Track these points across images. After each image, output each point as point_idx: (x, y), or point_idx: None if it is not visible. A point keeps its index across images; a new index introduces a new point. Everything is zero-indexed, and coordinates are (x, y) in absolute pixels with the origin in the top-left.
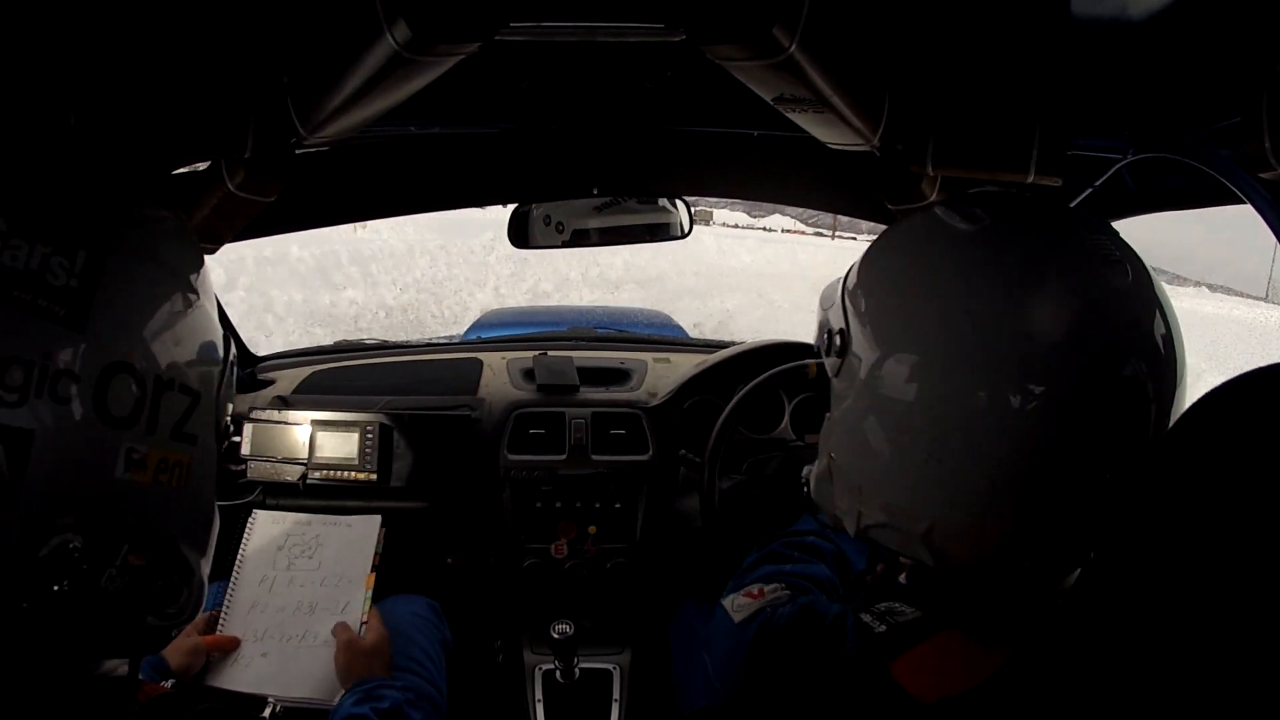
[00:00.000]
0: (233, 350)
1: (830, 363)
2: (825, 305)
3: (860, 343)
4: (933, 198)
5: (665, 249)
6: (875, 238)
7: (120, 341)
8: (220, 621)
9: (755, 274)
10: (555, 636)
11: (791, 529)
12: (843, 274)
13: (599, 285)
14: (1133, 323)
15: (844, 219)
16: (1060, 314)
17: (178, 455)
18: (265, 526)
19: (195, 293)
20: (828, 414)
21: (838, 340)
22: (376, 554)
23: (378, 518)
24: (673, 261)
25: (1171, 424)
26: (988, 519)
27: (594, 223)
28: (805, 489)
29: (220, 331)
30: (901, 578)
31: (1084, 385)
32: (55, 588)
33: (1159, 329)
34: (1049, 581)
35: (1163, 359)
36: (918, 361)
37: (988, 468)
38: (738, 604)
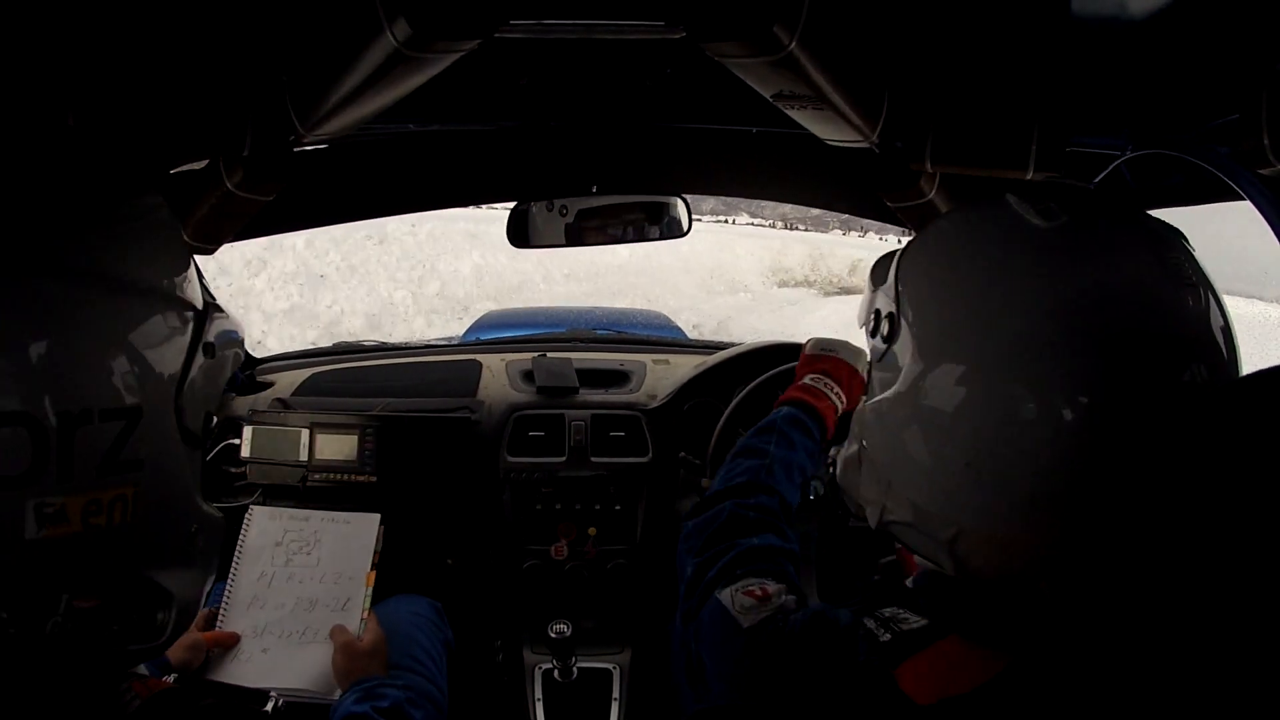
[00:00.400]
0: (215, 324)
1: (874, 345)
2: (875, 283)
3: (908, 335)
4: (931, 194)
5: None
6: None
7: None
8: (220, 618)
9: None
10: (553, 636)
11: (758, 426)
12: (899, 248)
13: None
14: (1201, 357)
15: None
16: (1130, 334)
17: (114, 491)
18: (262, 522)
19: (122, 289)
20: (863, 397)
21: (885, 326)
22: (376, 552)
23: (376, 515)
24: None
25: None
26: (1018, 534)
27: (594, 222)
28: (830, 469)
29: (178, 312)
30: (909, 581)
31: (1141, 409)
32: None
33: (1228, 358)
34: (1064, 601)
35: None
36: (969, 365)
37: (1028, 481)
38: (740, 604)
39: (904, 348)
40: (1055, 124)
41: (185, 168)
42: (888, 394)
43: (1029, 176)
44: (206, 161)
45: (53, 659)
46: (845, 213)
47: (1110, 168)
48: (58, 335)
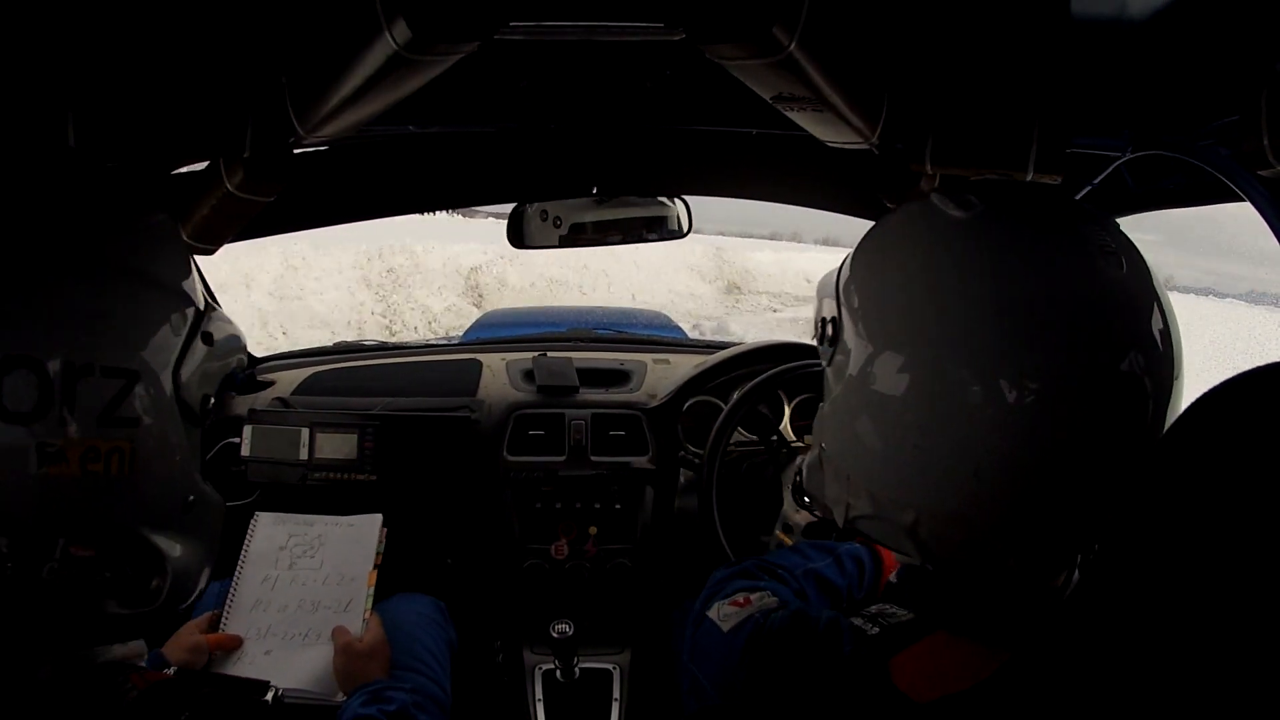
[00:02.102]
0: (215, 321)
1: (823, 352)
2: (821, 294)
3: (851, 331)
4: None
5: None
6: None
7: (7, 334)
8: (223, 620)
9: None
10: (555, 636)
11: (767, 558)
12: (839, 262)
13: None
14: (1129, 316)
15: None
16: (1054, 305)
17: (112, 443)
18: (268, 528)
19: (122, 271)
20: (821, 404)
21: (829, 330)
22: (379, 553)
23: (379, 517)
24: None
25: (1170, 420)
26: (972, 511)
27: (590, 218)
28: (798, 479)
29: (176, 302)
30: (892, 577)
31: (1078, 379)
32: None
33: (1156, 323)
34: (1036, 580)
35: (1160, 354)
36: (908, 352)
37: (974, 458)
38: (724, 613)
39: (846, 346)
40: (1056, 125)
41: (186, 169)
42: (838, 391)
43: (1029, 178)
44: (206, 163)
45: (47, 602)
46: (846, 214)
47: (1110, 169)
48: (68, 298)
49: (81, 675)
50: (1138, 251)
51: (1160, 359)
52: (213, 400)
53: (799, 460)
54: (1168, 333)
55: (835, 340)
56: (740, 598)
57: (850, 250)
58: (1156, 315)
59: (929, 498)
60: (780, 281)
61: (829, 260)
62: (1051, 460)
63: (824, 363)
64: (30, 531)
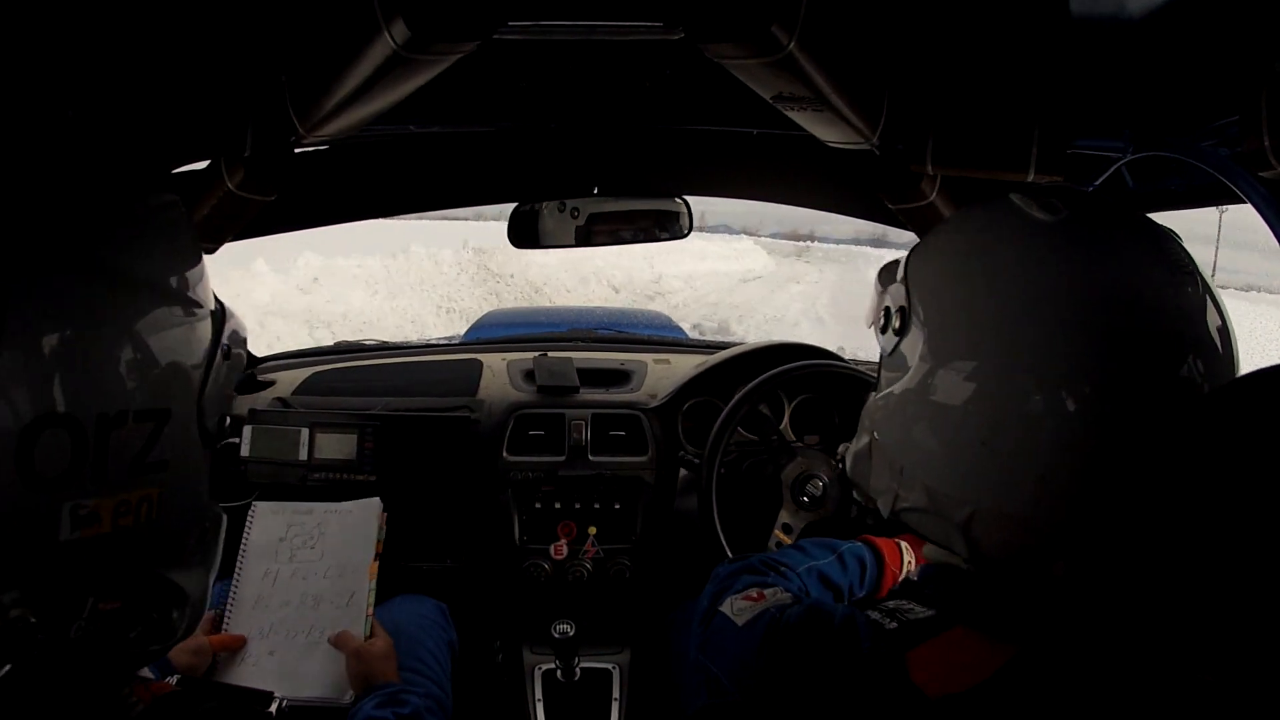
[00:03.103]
0: (233, 320)
1: (885, 340)
2: (885, 281)
3: (918, 328)
4: (932, 196)
5: None
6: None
7: (34, 398)
8: (225, 620)
9: None
10: (556, 636)
11: (770, 555)
12: (906, 250)
13: None
14: (1199, 339)
15: None
16: (1132, 315)
17: (142, 491)
18: (265, 518)
19: (156, 292)
20: (873, 393)
21: (896, 320)
22: (379, 540)
23: (378, 500)
24: None
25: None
26: (1031, 514)
27: (608, 208)
28: (840, 465)
29: (203, 313)
30: (913, 574)
31: (1148, 390)
32: (6, 666)
33: (1226, 350)
34: (1083, 587)
35: (1221, 365)
36: (980, 353)
37: (1040, 463)
38: (738, 607)
39: (914, 341)
40: (1056, 126)
41: (186, 168)
42: (898, 385)
43: (1030, 178)
44: (207, 162)
45: (75, 663)
46: (846, 214)
47: (1111, 170)
48: (95, 340)
49: (85, 689)
50: (1198, 269)
51: (1219, 370)
52: (227, 419)
53: (841, 448)
54: (1228, 344)
55: (902, 331)
56: (753, 592)
57: (920, 240)
58: (1223, 340)
59: (989, 497)
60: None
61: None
62: (1114, 469)
63: (884, 350)
64: (58, 597)
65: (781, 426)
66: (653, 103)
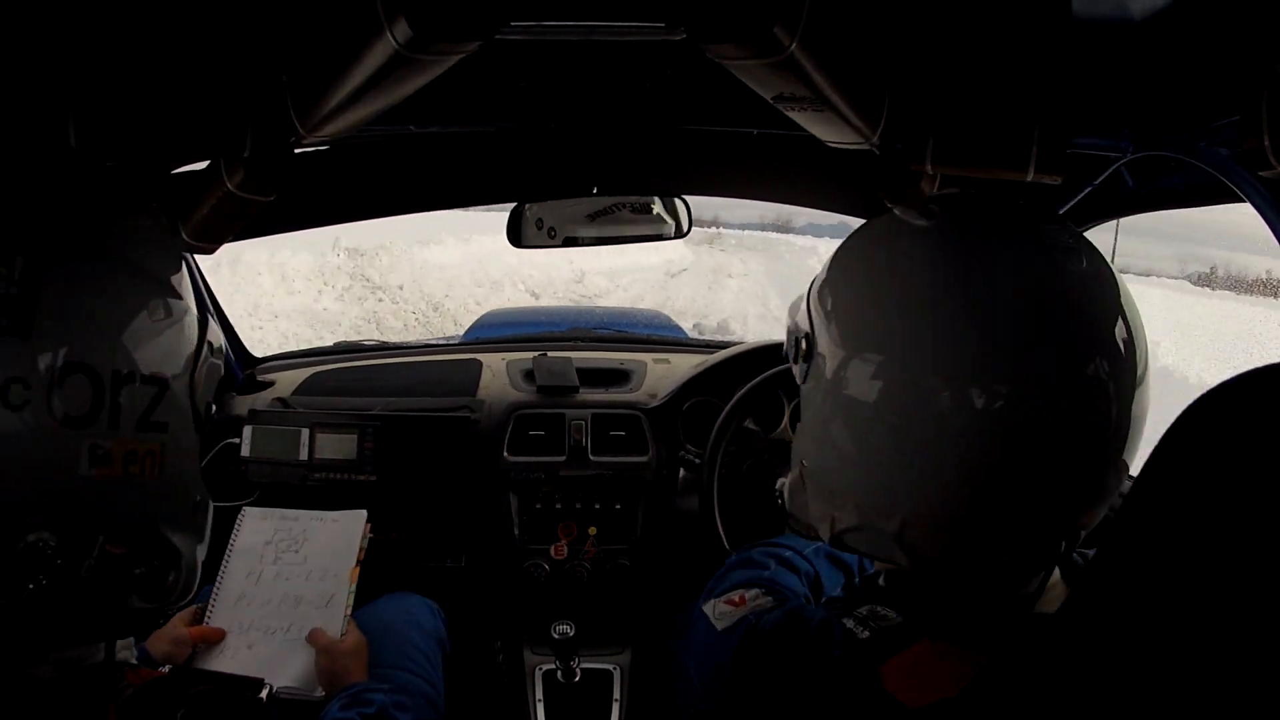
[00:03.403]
0: (212, 329)
1: (798, 369)
2: (793, 313)
3: (824, 344)
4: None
5: None
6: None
7: (69, 343)
8: (207, 614)
9: None
10: (556, 637)
11: (773, 540)
12: (809, 235)
13: None
14: (1092, 318)
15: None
16: (1018, 307)
17: (148, 445)
18: (254, 522)
19: (155, 284)
20: (799, 423)
21: (803, 344)
22: (361, 549)
23: (363, 513)
24: None
25: (1133, 424)
26: (955, 511)
27: (589, 227)
28: (779, 500)
29: (191, 313)
30: (881, 580)
31: (1044, 381)
32: (31, 585)
33: (1120, 330)
34: (1016, 579)
35: (1122, 356)
36: (880, 360)
37: (953, 461)
38: (719, 611)
39: (820, 357)
40: (1056, 125)
41: (186, 168)
42: (814, 406)
43: (1030, 178)
44: (207, 162)
45: (85, 598)
46: (845, 214)
47: (1111, 169)
48: (110, 311)
49: (79, 674)
50: (1100, 254)
51: (1122, 361)
52: (214, 408)
53: (779, 483)
54: (1130, 337)
55: (809, 355)
56: (736, 596)
57: (822, 265)
58: (1119, 320)
59: (913, 502)
60: None
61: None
62: (1020, 462)
63: (799, 380)
64: (76, 529)
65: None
66: (653, 103)
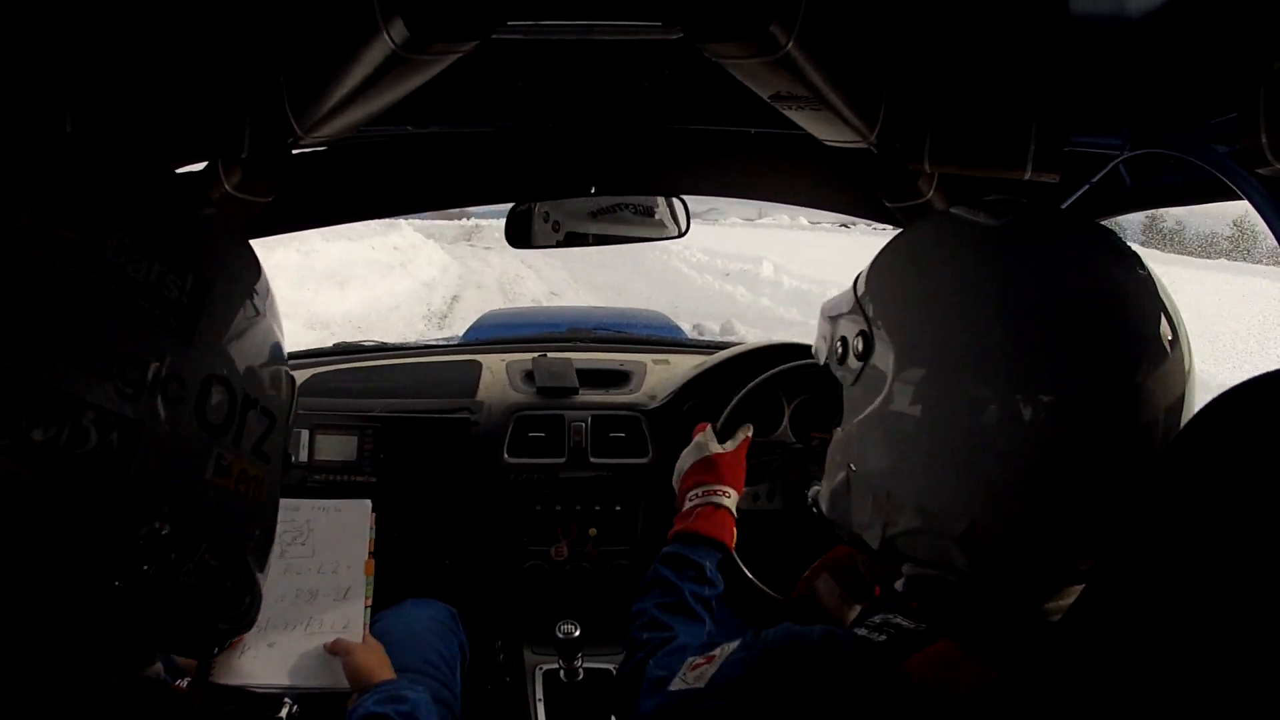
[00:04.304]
0: (294, 381)
1: (846, 371)
2: (832, 313)
3: (884, 348)
4: (930, 195)
5: None
6: (891, 239)
7: (218, 358)
8: None
9: None
10: (560, 636)
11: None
12: (853, 279)
13: None
14: (1141, 326)
15: None
16: (1091, 312)
17: (256, 470)
18: None
19: (267, 316)
20: (840, 427)
21: (858, 346)
22: (371, 539)
23: (367, 502)
24: None
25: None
26: (1019, 511)
27: (591, 225)
28: (814, 508)
29: (284, 358)
30: (898, 585)
31: (1100, 388)
32: (145, 567)
33: (1165, 333)
34: (1057, 587)
35: (1170, 362)
36: (951, 363)
37: (1024, 464)
38: (692, 677)
39: (881, 364)
40: (1054, 123)
41: (184, 169)
42: (872, 408)
43: (1027, 176)
44: (204, 163)
45: (183, 605)
46: (845, 213)
47: (1109, 167)
48: (252, 339)
49: (127, 691)
50: (1145, 265)
51: (1171, 367)
52: (292, 458)
53: (813, 490)
54: (1176, 341)
55: (866, 356)
56: (699, 659)
57: (870, 266)
58: (1165, 324)
59: (985, 505)
60: None
61: None
62: (1079, 466)
63: (846, 382)
64: (189, 530)
65: (781, 428)
66: (651, 102)
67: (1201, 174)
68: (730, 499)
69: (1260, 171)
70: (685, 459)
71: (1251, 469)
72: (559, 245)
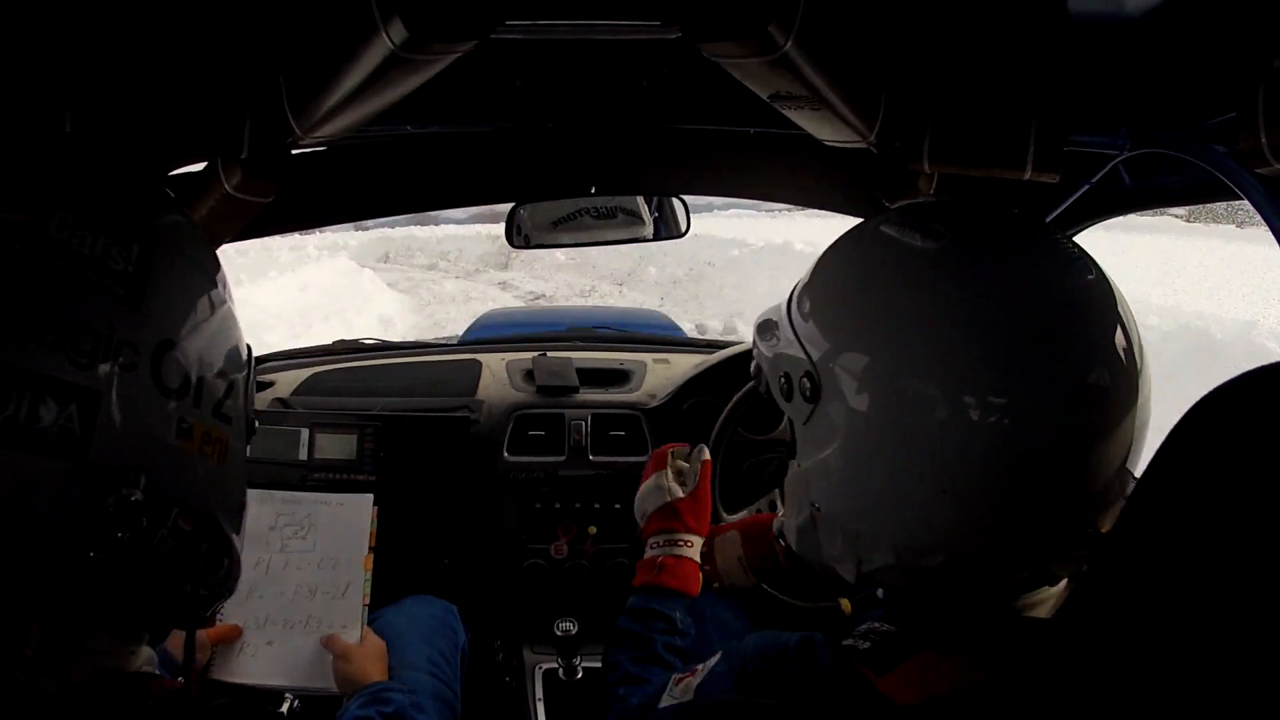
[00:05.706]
0: (251, 348)
1: (794, 410)
2: (765, 336)
3: (833, 389)
4: (929, 195)
5: None
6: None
7: (169, 324)
8: (219, 611)
9: None
10: (559, 634)
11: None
12: (786, 301)
13: None
14: (1098, 328)
15: None
16: (1028, 323)
17: (219, 432)
18: (254, 506)
19: (221, 291)
20: (794, 462)
21: (805, 386)
22: (371, 534)
23: (369, 496)
24: None
25: (1136, 434)
26: (1004, 540)
27: (584, 223)
28: (781, 542)
29: (241, 330)
30: (879, 592)
31: (1052, 395)
32: (119, 535)
33: (1120, 340)
34: (1026, 590)
35: (1124, 368)
36: (911, 403)
37: (1002, 493)
38: (678, 690)
39: (835, 403)
40: (1053, 123)
41: (183, 169)
42: (831, 450)
43: (1027, 176)
44: (204, 164)
45: (159, 571)
46: (844, 213)
47: (1108, 167)
48: (200, 307)
49: (112, 686)
50: (1100, 268)
51: (1125, 373)
52: (256, 423)
53: (777, 524)
54: (1130, 349)
55: (815, 397)
56: (682, 675)
57: (798, 290)
58: (1119, 331)
59: (960, 540)
60: None
61: None
62: (1039, 477)
63: (796, 419)
64: (159, 495)
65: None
66: (650, 102)
67: (1201, 174)
68: (694, 548)
69: (1260, 171)
70: (646, 499)
71: (1243, 465)
72: (553, 246)
